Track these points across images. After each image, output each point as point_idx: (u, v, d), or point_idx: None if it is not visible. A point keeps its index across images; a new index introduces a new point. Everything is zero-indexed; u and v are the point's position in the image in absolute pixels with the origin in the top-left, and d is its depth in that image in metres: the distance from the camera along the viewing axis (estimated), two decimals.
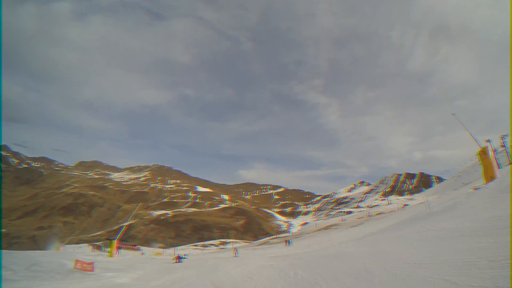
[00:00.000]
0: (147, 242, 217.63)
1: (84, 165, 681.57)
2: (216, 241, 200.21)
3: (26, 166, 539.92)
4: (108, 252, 43.10)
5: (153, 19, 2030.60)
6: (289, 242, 63.93)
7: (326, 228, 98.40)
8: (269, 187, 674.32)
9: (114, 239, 43.34)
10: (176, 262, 35.54)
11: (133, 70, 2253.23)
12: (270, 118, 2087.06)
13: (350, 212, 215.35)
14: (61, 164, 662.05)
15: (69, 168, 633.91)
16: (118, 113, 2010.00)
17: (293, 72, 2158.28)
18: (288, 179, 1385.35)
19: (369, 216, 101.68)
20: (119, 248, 62.83)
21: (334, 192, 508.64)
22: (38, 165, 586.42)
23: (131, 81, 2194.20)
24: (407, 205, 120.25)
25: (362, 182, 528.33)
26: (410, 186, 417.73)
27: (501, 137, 46.55)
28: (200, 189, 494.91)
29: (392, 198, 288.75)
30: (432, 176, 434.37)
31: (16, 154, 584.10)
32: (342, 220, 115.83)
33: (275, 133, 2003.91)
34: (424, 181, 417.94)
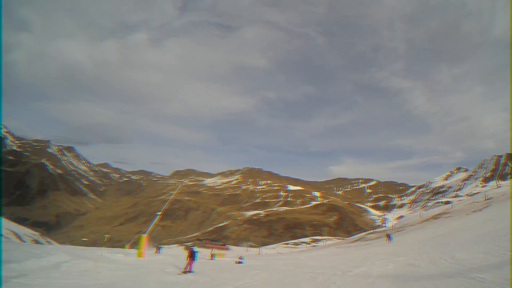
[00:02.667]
0: (240, 242, 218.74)
1: (179, 174, 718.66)
2: (307, 239, 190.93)
3: (126, 179, 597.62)
4: (137, 250, 35.62)
5: (224, 31, 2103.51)
6: (389, 237, 51.30)
7: (435, 217, 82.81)
8: (360, 181, 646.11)
9: (144, 233, 35.41)
10: (184, 272, 22.53)
11: (215, 81, 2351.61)
12: (354, 110, 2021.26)
13: (448, 202, 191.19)
14: (158, 175, 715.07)
15: (165, 178, 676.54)
16: (206, 123, 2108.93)
17: (372, 59, 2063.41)
18: (380, 171, 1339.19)
19: (487, 199, 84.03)
20: (158, 247, 56.04)
21: (429, 182, 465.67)
22: (137, 178, 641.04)
23: (214, 92, 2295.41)
24: None
25: (458, 169, 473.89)
26: None
27: None
28: (291, 187, 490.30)
29: (494, 183, 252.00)
30: None
31: (116, 170, 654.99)
32: (452, 207, 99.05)
33: (361, 125, 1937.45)
34: None
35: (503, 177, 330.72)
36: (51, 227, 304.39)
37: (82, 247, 46.22)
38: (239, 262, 39.36)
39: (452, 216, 67.84)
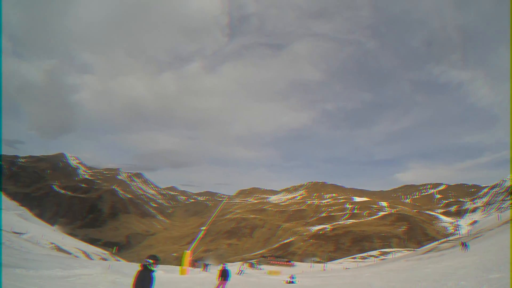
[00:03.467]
0: (306, 258, 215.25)
1: (244, 193, 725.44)
2: (376, 252, 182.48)
3: (193, 200, 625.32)
4: (179, 267, 33.96)
5: (275, 50, 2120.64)
6: (465, 245, 45.85)
7: None
8: (429, 186, 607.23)
9: (188, 249, 33.70)
10: None
11: (272, 99, 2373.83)
12: (415, 111, 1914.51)
13: None
14: (223, 195, 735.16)
15: (230, 197, 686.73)
16: (268, 140, 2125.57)
17: (426, 54, 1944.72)
18: (449, 174, 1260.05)
19: None
20: (206, 265, 53.87)
21: (503, 180, 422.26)
22: (203, 199, 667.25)
23: (273, 109, 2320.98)
24: None
25: None
26: None
27: None
28: (357, 199, 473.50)
29: None
30: None
31: (183, 192, 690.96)
32: None
33: (424, 126, 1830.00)
34: None
35: None
36: (122, 247, 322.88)
37: (135, 263, 46.85)
38: (290, 282, 36.70)
39: None
